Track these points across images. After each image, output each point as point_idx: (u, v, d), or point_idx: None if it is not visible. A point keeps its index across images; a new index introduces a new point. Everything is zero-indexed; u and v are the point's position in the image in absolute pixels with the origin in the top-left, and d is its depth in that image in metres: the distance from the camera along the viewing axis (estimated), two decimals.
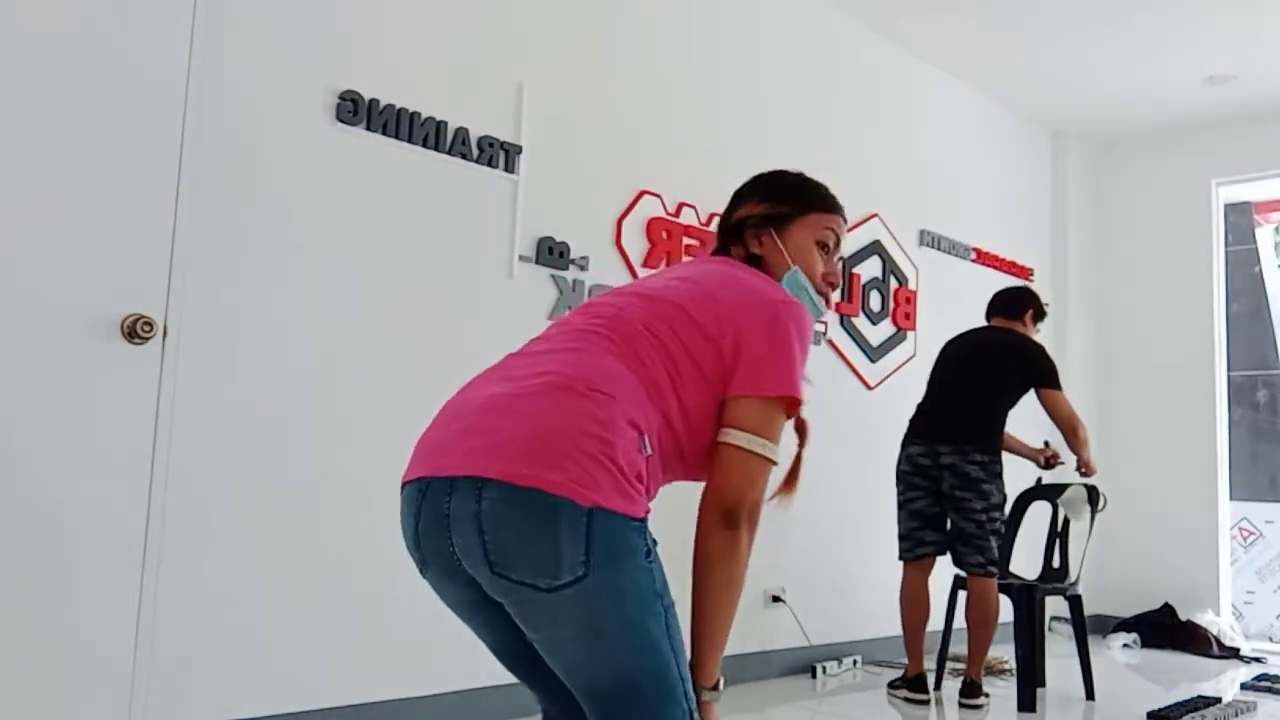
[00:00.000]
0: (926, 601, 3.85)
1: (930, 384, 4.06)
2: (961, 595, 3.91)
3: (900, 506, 3.91)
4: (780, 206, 1.66)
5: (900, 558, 3.89)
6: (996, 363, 3.94)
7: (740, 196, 1.72)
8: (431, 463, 1.35)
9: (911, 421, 3.99)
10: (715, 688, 1.42)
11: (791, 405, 1.46)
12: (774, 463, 1.45)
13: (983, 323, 4.25)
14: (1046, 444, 4.16)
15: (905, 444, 3.95)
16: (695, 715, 1.35)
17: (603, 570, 1.25)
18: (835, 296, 1.67)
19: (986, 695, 3.76)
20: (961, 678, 3.83)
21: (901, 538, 3.89)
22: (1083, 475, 4.02)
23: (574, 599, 1.25)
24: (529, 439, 1.27)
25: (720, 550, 1.40)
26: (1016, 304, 4.15)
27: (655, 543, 1.36)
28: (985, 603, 3.71)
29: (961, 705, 3.73)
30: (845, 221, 1.74)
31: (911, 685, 3.82)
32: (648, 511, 1.36)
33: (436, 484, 1.32)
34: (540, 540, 1.24)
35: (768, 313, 1.46)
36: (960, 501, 3.74)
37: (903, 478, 3.91)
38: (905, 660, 3.90)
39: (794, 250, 1.64)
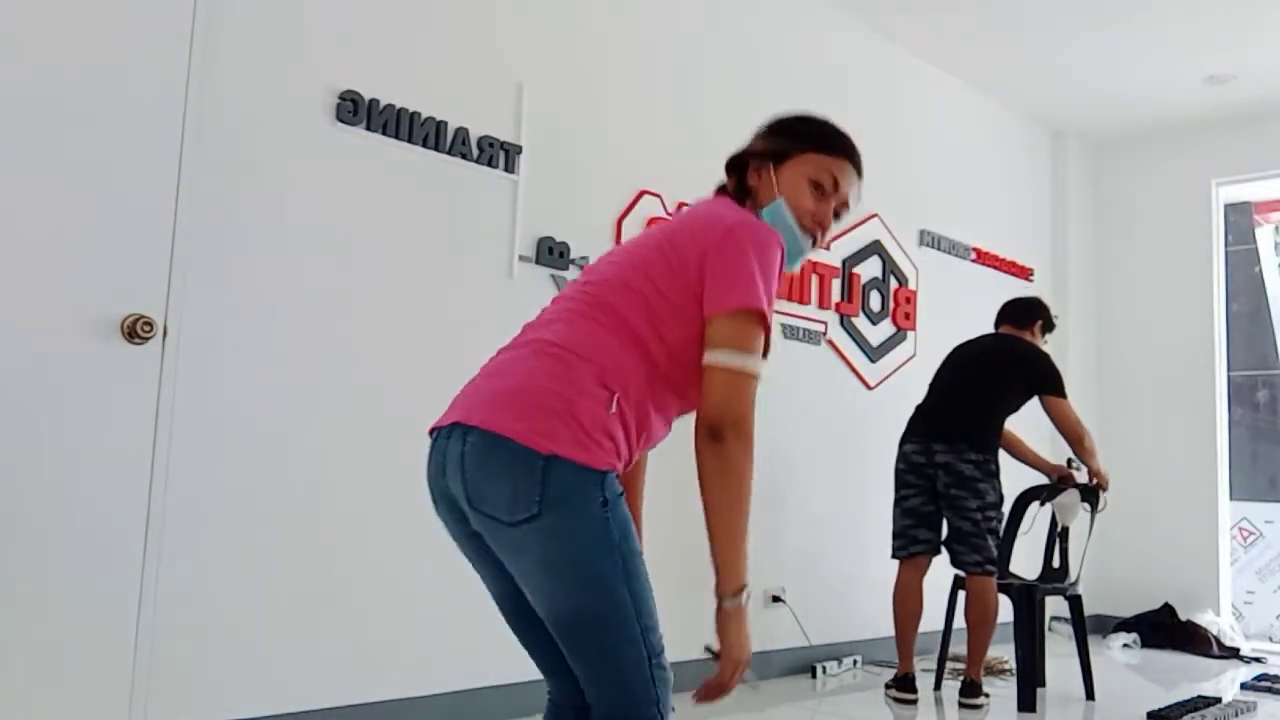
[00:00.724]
0: (919, 600, 3.85)
1: (931, 385, 4.07)
2: (935, 598, 3.91)
3: (895, 504, 3.92)
4: (782, 143, 1.71)
5: (893, 555, 3.91)
6: (999, 366, 3.96)
7: (758, 133, 1.76)
8: (446, 415, 1.53)
9: (909, 420, 4.00)
10: (737, 594, 1.47)
11: (758, 318, 1.51)
12: (753, 375, 1.50)
13: (987, 327, 4.27)
14: (1070, 462, 4.16)
15: (902, 442, 3.96)
16: (657, 661, 1.45)
17: (554, 511, 1.39)
18: (824, 248, 1.73)
19: (986, 695, 3.76)
20: (961, 678, 3.83)
21: (895, 535, 3.90)
22: (1097, 486, 4.04)
23: (531, 533, 1.40)
24: (506, 394, 1.46)
25: (711, 466, 1.47)
26: (1026, 314, 4.18)
27: (620, 494, 1.45)
28: (984, 602, 3.71)
29: (961, 705, 3.73)
30: (857, 170, 1.77)
31: (901, 685, 3.82)
32: (611, 466, 1.44)
33: (443, 431, 1.51)
34: (503, 479, 1.40)
35: (723, 234, 1.53)
36: (955, 500, 3.75)
37: (899, 476, 3.93)
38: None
39: (784, 185, 1.68)
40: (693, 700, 1.50)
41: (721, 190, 1.75)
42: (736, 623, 1.47)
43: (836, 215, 1.74)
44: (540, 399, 1.43)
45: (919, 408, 4.02)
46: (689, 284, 1.52)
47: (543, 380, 1.45)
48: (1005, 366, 3.96)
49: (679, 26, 4.05)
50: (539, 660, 1.61)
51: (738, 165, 1.74)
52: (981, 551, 3.72)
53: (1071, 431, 3.91)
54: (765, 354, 1.56)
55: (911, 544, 3.85)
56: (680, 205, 3.95)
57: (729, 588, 1.47)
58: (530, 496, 1.39)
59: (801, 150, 1.71)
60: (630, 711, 1.45)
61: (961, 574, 3.82)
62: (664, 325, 1.51)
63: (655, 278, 1.53)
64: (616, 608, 1.42)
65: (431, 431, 1.56)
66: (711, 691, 1.48)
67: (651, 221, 3.84)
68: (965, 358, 4.07)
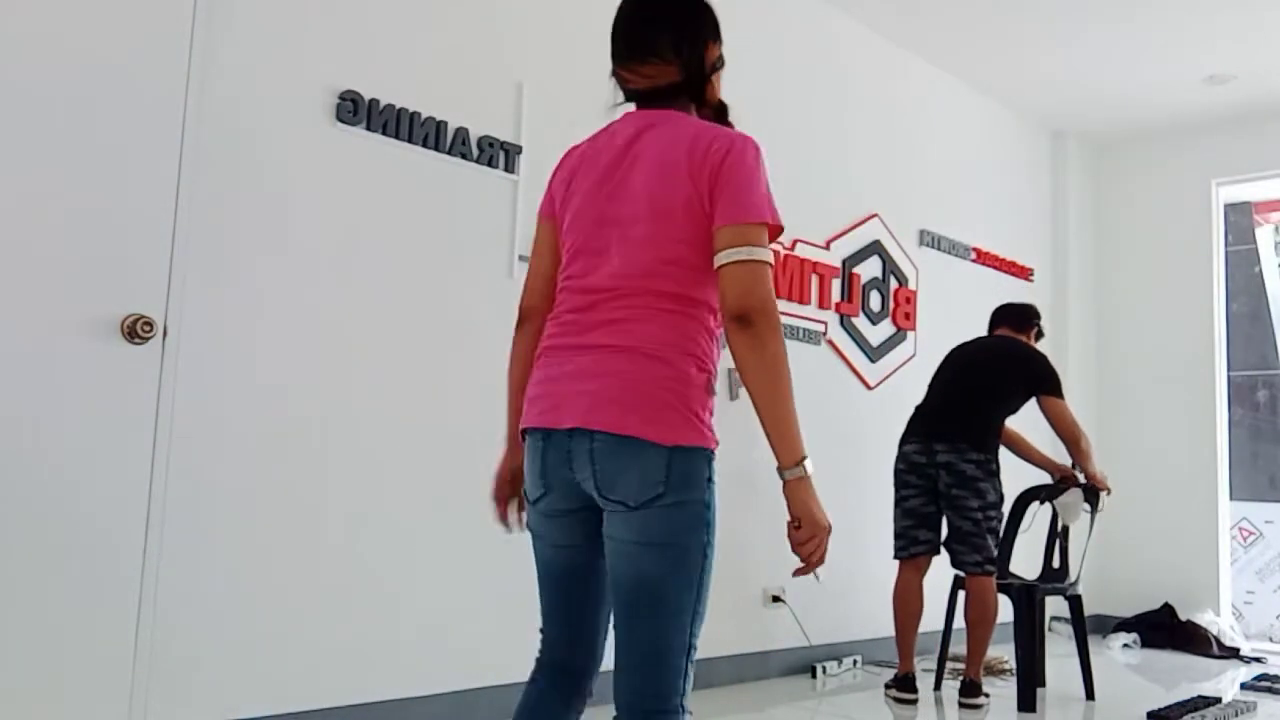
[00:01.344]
0: (919, 600, 3.86)
1: (931, 386, 4.08)
2: (935, 598, 3.91)
3: (896, 504, 3.93)
4: (714, 45, 1.80)
5: (895, 556, 3.91)
6: (999, 367, 3.97)
7: (704, 29, 1.78)
8: (548, 416, 1.62)
9: (909, 421, 4.01)
10: (798, 465, 1.54)
11: (772, 230, 1.61)
12: (768, 263, 1.57)
13: (986, 327, 4.28)
14: (1074, 465, 4.17)
15: (902, 443, 3.97)
16: (693, 653, 1.57)
17: (675, 491, 1.53)
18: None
19: (986, 695, 3.76)
20: (961, 678, 3.83)
21: (896, 535, 3.91)
22: (1098, 490, 4.04)
23: (651, 513, 1.54)
24: (626, 396, 1.56)
25: (746, 352, 1.53)
26: (1025, 318, 4.20)
27: (714, 479, 1.59)
28: (984, 602, 3.71)
29: (961, 705, 3.73)
30: None
31: (901, 685, 3.82)
32: (717, 443, 1.59)
33: (562, 432, 1.60)
34: (633, 471, 1.54)
35: (727, 151, 1.62)
36: (956, 500, 3.75)
37: (899, 476, 3.93)
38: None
39: (717, 89, 1.80)
40: (792, 575, 1.60)
41: (686, 92, 1.77)
42: (805, 491, 1.53)
43: None
44: (661, 398, 1.55)
45: (919, 408, 4.02)
46: (695, 215, 1.60)
47: (654, 383, 1.56)
48: (1005, 367, 3.97)
49: None
50: (562, 629, 1.72)
51: (705, 78, 1.78)
52: (982, 551, 3.72)
53: (1068, 433, 3.93)
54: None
55: (912, 544, 3.85)
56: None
57: (789, 460, 1.54)
58: (656, 481, 1.53)
59: (717, 42, 1.81)
60: (659, 690, 1.54)
61: (961, 574, 3.82)
62: (690, 265, 1.60)
63: (662, 235, 1.61)
64: (684, 589, 1.55)
65: (532, 430, 1.65)
66: (807, 566, 1.56)
67: None
68: (965, 358, 4.07)
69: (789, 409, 1.55)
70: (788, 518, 1.55)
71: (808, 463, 1.54)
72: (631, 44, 1.79)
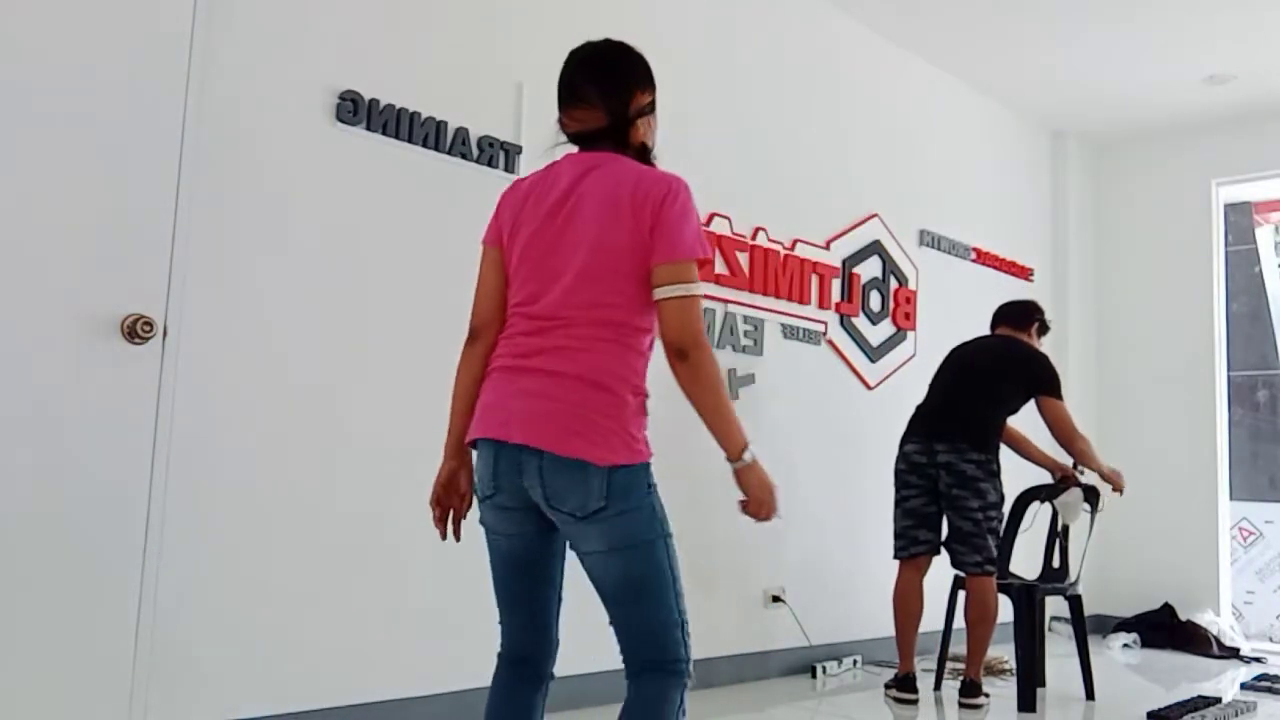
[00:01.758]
0: (919, 600, 3.85)
1: (932, 386, 4.08)
2: (935, 598, 3.90)
3: (896, 504, 3.91)
4: (654, 92, 2.01)
5: (895, 556, 3.90)
6: (999, 367, 3.97)
7: (631, 79, 1.98)
8: (501, 430, 1.82)
9: (910, 421, 4.00)
10: (741, 454, 1.81)
11: (701, 264, 1.84)
12: (698, 296, 1.81)
13: (987, 327, 4.27)
14: (1076, 465, 4.16)
15: (903, 443, 3.96)
16: (685, 622, 1.82)
17: (616, 502, 1.76)
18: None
19: (986, 695, 3.76)
20: (961, 678, 3.83)
21: (896, 535, 3.90)
22: (1111, 488, 4.05)
23: (599, 523, 1.77)
24: (569, 423, 1.78)
25: (688, 378, 1.80)
26: (1025, 315, 4.19)
27: (654, 484, 1.82)
28: (984, 602, 3.71)
29: (961, 705, 3.73)
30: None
31: (901, 685, 3.82)
32: (651, 455, 1.82)
33: (511, 445, 1.80)
34: (577, 488, 1.76)
35: (665, 194, 1.84)
36: (957, 500, 3.75)
37: (899, 476, 3.92)
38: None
39: (649, 131, 2.00)
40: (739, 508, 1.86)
41: (612, 137, 1.94)
42: (749, 473, 1.81)
43: None
44: (602, 425, 1.77)
45: (919, 408, 4.02)
46: (635, 251, 1.82)
47: (596, 410, 1.78)
48: (1005, 367, 3.97)
49: (679, 27, 4.05)
50: (519, 616, 1.93)
51: (630, 121, 1.95)
52: (982, 552, 3.72)
53: (1064, 434, 3.92)
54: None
55: (913, 544, 3.85)
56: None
57: (734, 453, 1.81)
58: (600, 495, 1.76)
59: (654, 95, 2.01)
60: (662, 659, 1.80)
61: (962, 574, 3.82)
62: (628, 297, 1.83)
63: (628, 274, 1.82)
64: (662, 577, 1.80)
65: (485, 440, 1.85)
66: (757, 518, 1.85)
67: None
68: (965, 358, 4.07)
69: (727, 414, 1.80)
70: (740, 498, 1.83)
71: (747, 452, 1.81)
72: (567, 91, 2.00)
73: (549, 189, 1.93)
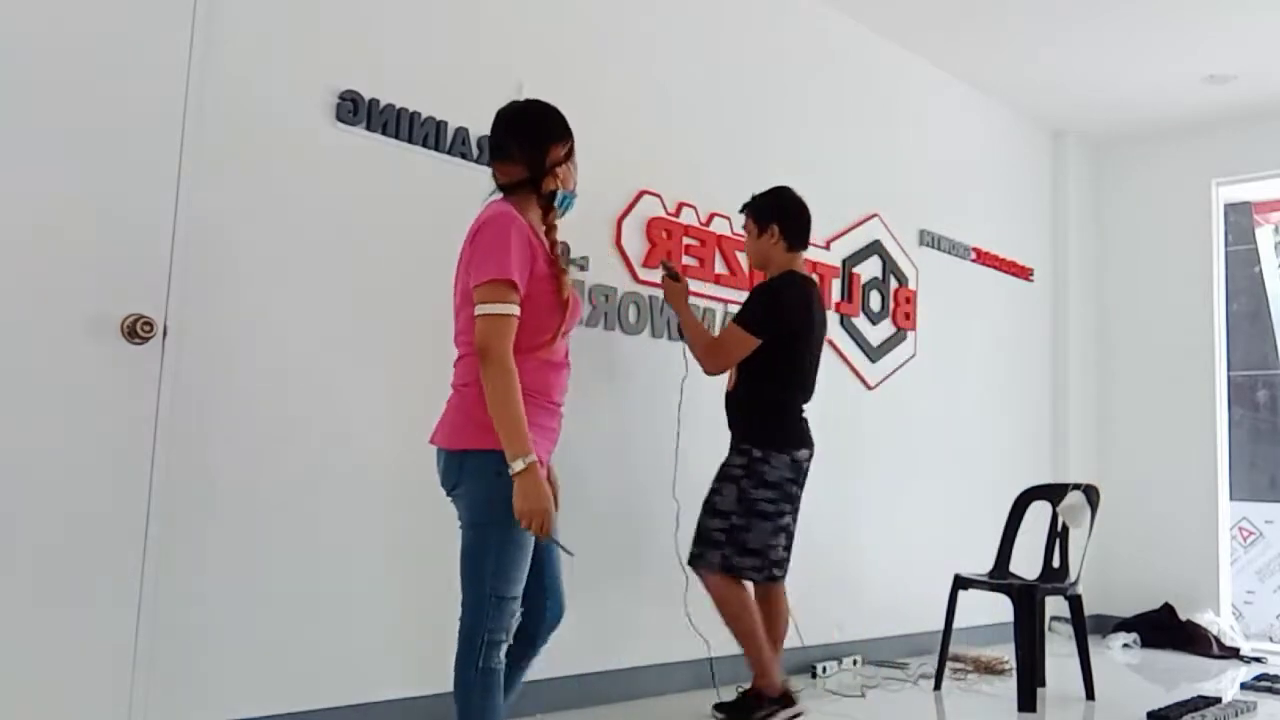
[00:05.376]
0: (788, 614, 3.45)
1: (795, 365, 3.43)
2: (935, 598, 3.79)
3: (766, 517, 3.32)
4: (554, 145, 2.37)
5: (760, 580, 3.35)
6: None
7: (551, 137, 2.37)
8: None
9: (795, 417, 3.45)
10: (516, 458, 2.09)
11: (501, 281, 2.15)
12: (499, 315, 2.15)
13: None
14: (664, 264, 3.61)
15: (789, 446, 3.38)
16: (492, 599, 2.16)
17: (466, 481, 2.22)
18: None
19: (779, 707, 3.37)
20: (746, 690, 3.41)
21: (753, 553, 3.31)
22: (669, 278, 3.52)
23: (457, 498, 2.26)
24: (444, 422, 2.32)
25: (484, 381, 2.14)
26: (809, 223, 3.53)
27: (501, 473, 2.12)
28: (787, 606, 3.45)
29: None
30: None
31: (785, 702, 3.34)
32: (497, 446, 2.13)
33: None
34: (448, 470, 2.26)
35: (474, 229, 2.25)
36: (798, 502, 3.46)
37: (781, 487, 3.36)
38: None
39: (564, 178, 2.38)
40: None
41: (522, 190, 2.36)
42: (518, 481, 2.09)
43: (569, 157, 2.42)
44: (455, 419, 2.27)
45: (797, 398, 3.47)
46: (468, 276, 2.23)
47: (453, 409, 2.30)
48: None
49: (679, 27, 4.05)
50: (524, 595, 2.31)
51: (546, 172, 2.35)
52: None
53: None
54: (560, 302, 2.29)
55: (778, 567, 3.38)
56: (680, 206, 3.95)
57: (512, 456, 2.09)
58: (454, 476, 2.23)
59: (563, 143, 2.40)
60: (472, 629, 2.18)
61: (774, 582, 3.42)
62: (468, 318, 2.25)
63: (467, 298, 2.22)
64: (481, 553, 2.18)
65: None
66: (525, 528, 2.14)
67: (651, 221, 3.85)
68: (822, 327, 3.53)
69: (510, 418, 2.10)
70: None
71: (520, 461, 2.08)
72: (493, 148, 2.41)
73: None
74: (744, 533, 3.31)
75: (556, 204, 2.36)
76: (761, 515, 3.32)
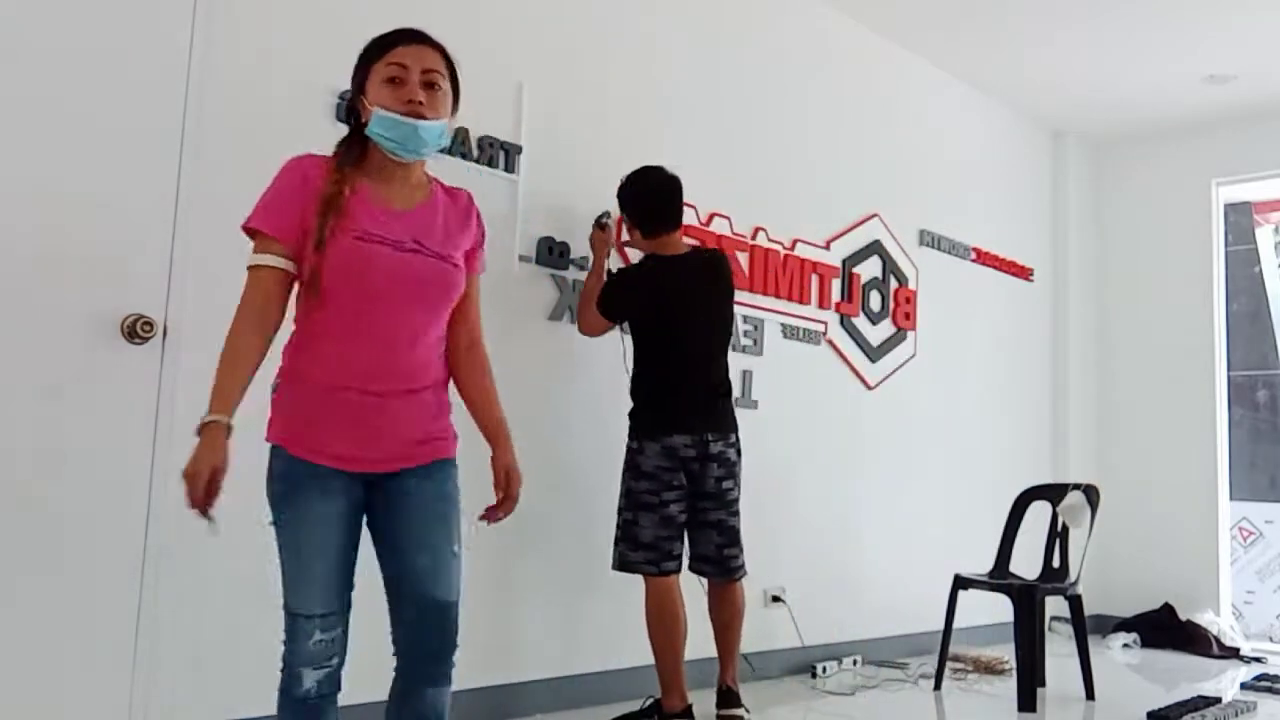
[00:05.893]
0: (684, 618, 3.21)
1: (675, 347, 3.27)
2: (935, 598, 3.77)
3: (647, 509, 3.19)
4: (359, 75, 2.03)
5: (653, 573, 3.19)
6: (729, 302, 3.43)
7: (361, 62, 2.07)
8: None
9: (665, 404, 3.25)
10: (208, 415, 1.82)
11: (252, 231, 1.96)
12: (250, 266, 1.97)
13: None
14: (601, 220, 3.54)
15: (659, 433, 3.20)
16: (286, 616, 2.00)
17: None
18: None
19: (747, 710, 3.34)
20: (721, 685, 3.35)
21: (645, 547, 3.17)
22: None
23: None
24: None
25: None
26: (680, 201, 3.39)
27: (274, 469, 1.96)
28: (741, 600, 3.35)
29: (722, 717, 3.31)
30: (420, 42, 2.06)
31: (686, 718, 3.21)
32: (275, 439, 1.97)
33: None
34: None
35: None
36: (726, 495, 3.28)
37: (656, 476, 3.19)
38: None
39: (374, 100, 1.97)
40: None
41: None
42: (201, 439, 1.81)
43: (430, 85, 2.00)
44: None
45: (681, 388, 3.26)
46: None
47: None
48: (729, 297, 3.43)
49: (679, 26, 4.05)
50: None
51: (354, 113, 2.06)
52: (741, 549, 3.33)
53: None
54: (327, 243, 1.94)
55: (666, 559, 3.19)
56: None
57: (211, 410, 1.84)
58: None
59: (367, 67, 2.01)
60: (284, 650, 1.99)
61: (721, 581, 3.31)
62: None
63: None
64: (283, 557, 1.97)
65: None
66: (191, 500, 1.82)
67: None
68: (703, 309, 3.33)
69: (223, 372, 1.87)
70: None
71: (214, 419, 1.81)
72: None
73: None
74: (634, 526, 3.21)
75: (372, 133, 1.97)
76: (646, 507, 3.20)
